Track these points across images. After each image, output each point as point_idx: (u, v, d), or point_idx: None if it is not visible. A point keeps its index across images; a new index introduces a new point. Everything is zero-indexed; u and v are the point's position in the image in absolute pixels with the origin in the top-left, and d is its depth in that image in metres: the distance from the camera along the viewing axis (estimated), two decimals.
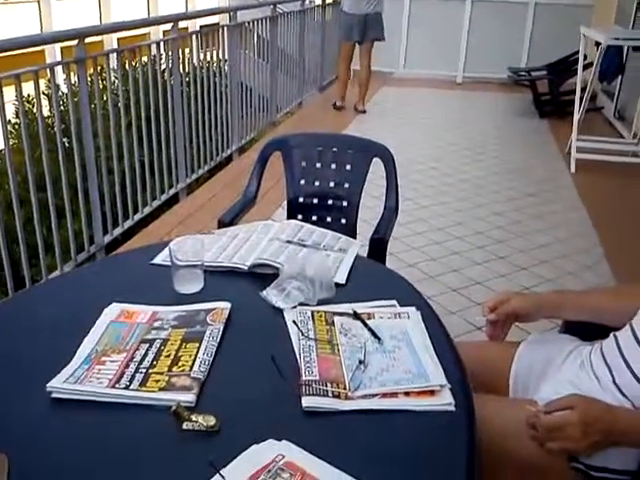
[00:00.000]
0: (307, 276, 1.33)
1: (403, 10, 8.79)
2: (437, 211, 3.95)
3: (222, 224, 2.09)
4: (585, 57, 6.50)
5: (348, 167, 2.33)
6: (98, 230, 3.16)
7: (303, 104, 7.13)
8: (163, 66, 4.30)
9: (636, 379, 1.17)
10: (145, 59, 3.58)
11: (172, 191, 3.96)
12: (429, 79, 8.63)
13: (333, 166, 2.36)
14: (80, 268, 1.51)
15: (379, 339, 1.20)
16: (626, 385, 1.19)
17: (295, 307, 1.30)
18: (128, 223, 3.45)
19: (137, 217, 3.53)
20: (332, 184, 2.36)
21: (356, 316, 1.28)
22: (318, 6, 7.57)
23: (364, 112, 6.66)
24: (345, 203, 2.34)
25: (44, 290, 1.41)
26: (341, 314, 1.29)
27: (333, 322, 1.25)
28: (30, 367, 1.11)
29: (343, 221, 2.34)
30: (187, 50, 4.17)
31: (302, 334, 1.20)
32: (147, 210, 3.63)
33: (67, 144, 3.09)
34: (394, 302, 1.35)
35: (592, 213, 3.97)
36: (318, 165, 2.37)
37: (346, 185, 2.34)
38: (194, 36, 4.23)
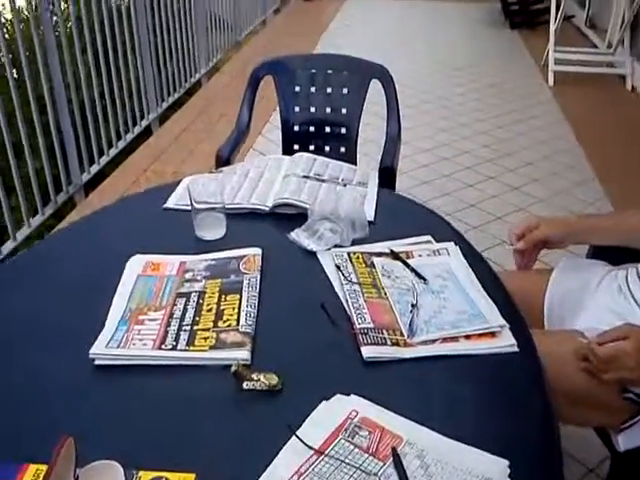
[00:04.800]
0: (340, 215, 1.25)
1: None
2: (420, 132, 3.86)
3: (221, 158, 1.98)
4: None
5: (345, 91, 2.22)
6: (75, 169, 2.99)
7: (267, 22, 6.80)
8: None
9: None
10: None
11: (144, 122, 3.76)
12: None
13: (329, 90, 2.23)
14: (87, 217, 1.40)
15: (424, 279, 1.15)
16: None
17: (329, 249, 1.24)
18: (104, 159, 3.27)
19: (112, 152, 3.35)
20: (329, 110, 2.24)
21: (395, 256, 1.22)
22: None
23: None
24: (344, 130, 2.24)
25: (55, 243, 1.31)
26: (379, 254, 1.23)
27: (373, 264, 1.20)
28: (63, 331, 1.03)
29: (342, 149, 2.24)
30: None
31: (345, 278, 1.14)
32: (122, 144, 3.45)
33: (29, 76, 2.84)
34: (429, 238, 1.29)
35: (575, 127, 3.94)
36: (312, 89, 2.24)
37: (343, 111, 2.23)
38: None
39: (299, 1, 7.88)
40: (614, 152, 3.60)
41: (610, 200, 3.05)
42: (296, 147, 2.27)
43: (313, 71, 2.24)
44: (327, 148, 2.26)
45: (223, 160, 1.96)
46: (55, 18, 3.00)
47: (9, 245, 2.57)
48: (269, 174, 1.55)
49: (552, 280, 1.42)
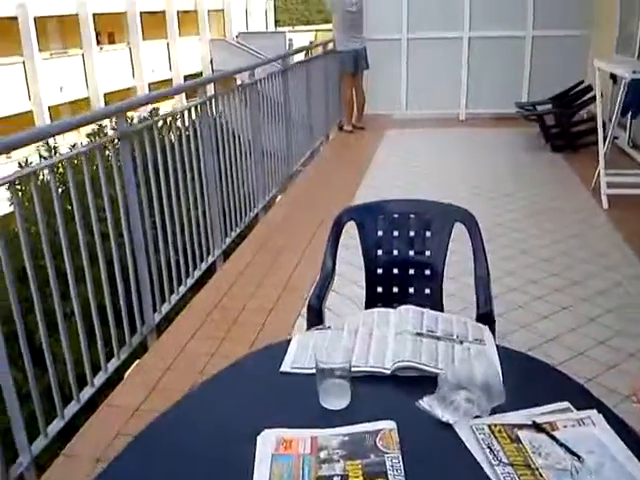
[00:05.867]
0: (476, 383, 1.21)
1: (401, 52, 8.84)
2: None
3: (312, 309, 1.97)
4: (590, 88, 6.58)
5: (428, 234, 2.23)
6: (148, 309, 3.02)
7: (314, 154, 7.08)
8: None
9: None
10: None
11: (210, 259, 3.84)
12: (432, 119, 8.64)
13: (412, 234, 2.26)
14: (199, 388, 1.38)
15: (579, 457, 1.07)
16: None
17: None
18: (174, 298, 3.31)
19: (182, 290, 3.39)
20: (412, 252, 2.26)
21: (538, 428, 1.15)
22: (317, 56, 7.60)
23: (363, 129, 8.14)
24: (428, 271, 2.23)
25: (172, 418, 1.27)
26: (521, 427, 1.16)
27: (518, 438, 1.13)
28: None
29: (427, 291, 2.23)
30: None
31: (495, 457, 1.07)
32: (190, 282, 3.50)
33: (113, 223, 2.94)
34: (567, 404, 1.22)
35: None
36: (395, 233, 2.27)
37: (427, 253, 2.24)
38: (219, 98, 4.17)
39: (340, 133, 8.21)
40: None
41: None
42: (380, 289, 2.26)
43: (395, 216, 2.27)
44: (411, 290, 2.25)
45: (315, 310, 1.95)
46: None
47: (88, 390, 2.56)
48: (379, 331, 1.51)
49: None
